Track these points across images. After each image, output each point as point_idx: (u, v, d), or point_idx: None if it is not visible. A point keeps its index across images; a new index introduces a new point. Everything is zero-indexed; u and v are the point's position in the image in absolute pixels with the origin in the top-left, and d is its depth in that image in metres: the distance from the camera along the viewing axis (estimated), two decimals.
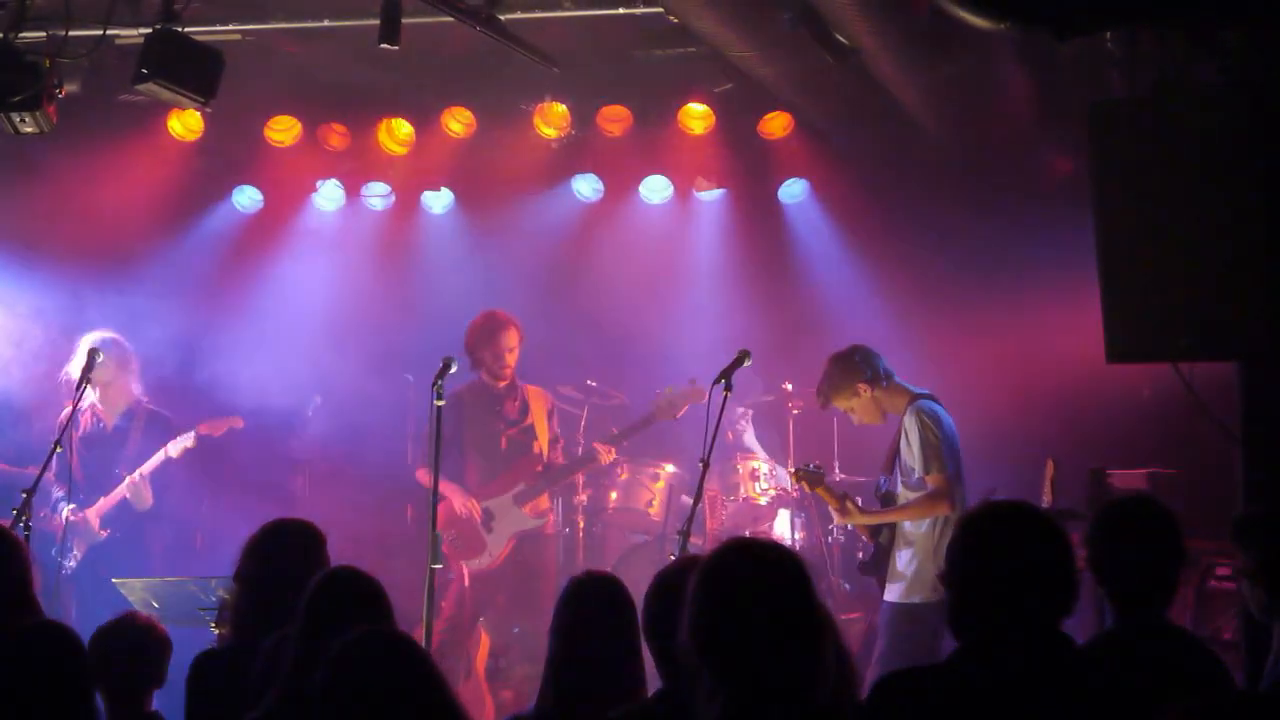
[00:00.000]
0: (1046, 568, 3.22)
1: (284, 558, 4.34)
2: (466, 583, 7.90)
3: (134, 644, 4.47)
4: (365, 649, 3.28)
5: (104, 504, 7.80)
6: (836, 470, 8.43)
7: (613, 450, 8.15)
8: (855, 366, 6.71)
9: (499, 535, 7.99)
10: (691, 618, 2.95)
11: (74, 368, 7.56)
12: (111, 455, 7.87)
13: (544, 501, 8.11)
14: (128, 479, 7.73)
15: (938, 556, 6.31)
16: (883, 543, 6.76)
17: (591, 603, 3.73)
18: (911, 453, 6.55)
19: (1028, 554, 3.23)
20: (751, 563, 2.98)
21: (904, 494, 6.65)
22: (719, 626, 2.91)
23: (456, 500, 7.94)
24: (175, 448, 7.78)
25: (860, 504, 6.95)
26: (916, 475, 6.55)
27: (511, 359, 8.01)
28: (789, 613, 2.91)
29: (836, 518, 7.07)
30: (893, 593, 6.66)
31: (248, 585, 4.37)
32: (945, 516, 6.49)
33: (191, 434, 7.81)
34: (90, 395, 7.70)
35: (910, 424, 6.57)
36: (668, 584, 3.43)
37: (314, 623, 3.75)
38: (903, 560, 6.62)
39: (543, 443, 8.12)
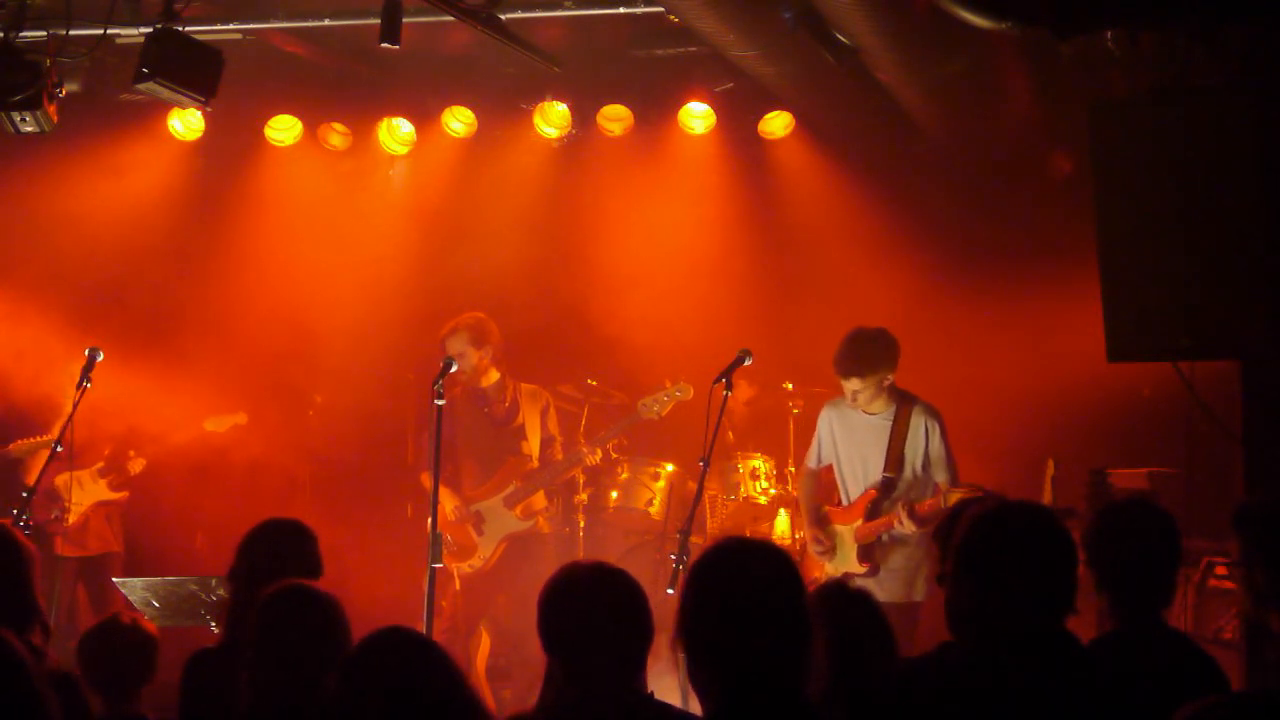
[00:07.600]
0: (1051, 568, 3.23)
1: (274, 556, 4.36)
2: (458, 585, 7.88)
3: (120, 645, 4.48)
4: (382, 649, 3.25)
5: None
6: None
7: (599, 451, 8.09)
8: (892, 352, 6.75)
9: (489, 538, 7.94)
10: (684, 615, 2.98)
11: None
12: None
13: (537, 502, 8.01)
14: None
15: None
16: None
17: None
18: (934, 454, 6.67)
19: (1033, 554, 3.23)
20: (743, 561, 3.02)
21: (946, 491, 6.47)
22: (711, 624, 2.94)
23: (447, 504, 7.91)
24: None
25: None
26: (950, 478, 6.63)
27: (464, 364, 7.89)
28: (779, 610, 2.94)
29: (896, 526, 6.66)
30: (896, 592, 6.67)
31: (240, 583, 4.39)
32: None
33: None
34: None
35: (932, 425, 6.70)
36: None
37: (267, 647, 3.76)
38: (899, 559, 6.69)
39: (533, 443, 8.04)
